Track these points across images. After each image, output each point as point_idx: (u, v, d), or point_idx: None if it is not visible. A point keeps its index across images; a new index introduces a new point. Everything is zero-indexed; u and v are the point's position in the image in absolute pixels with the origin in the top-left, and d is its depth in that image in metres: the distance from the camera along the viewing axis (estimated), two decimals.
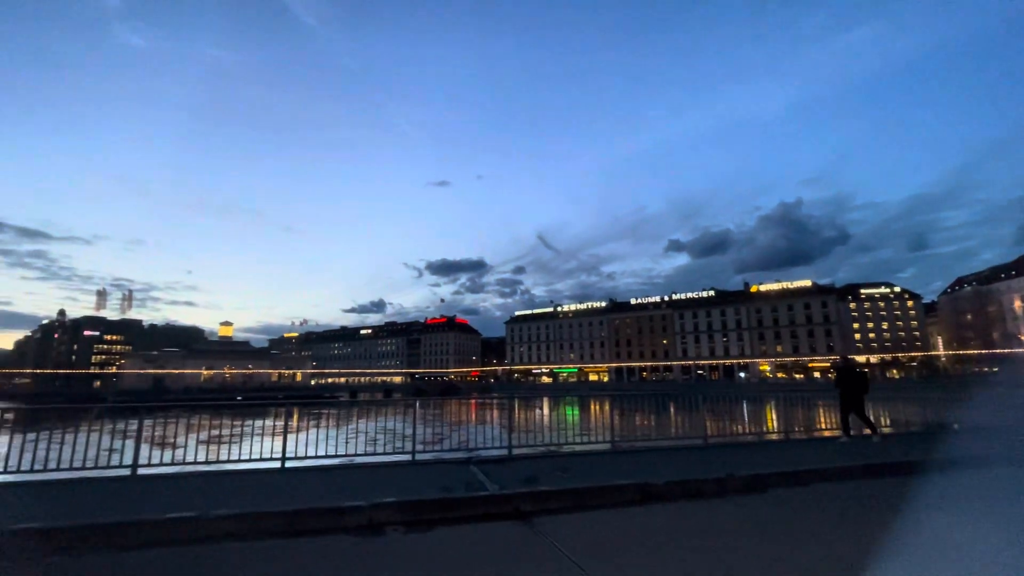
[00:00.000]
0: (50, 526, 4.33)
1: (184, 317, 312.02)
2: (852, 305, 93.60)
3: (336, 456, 7.69)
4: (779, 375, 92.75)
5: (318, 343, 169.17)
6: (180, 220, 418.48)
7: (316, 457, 7.61)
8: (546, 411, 11.81)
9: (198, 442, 8.67)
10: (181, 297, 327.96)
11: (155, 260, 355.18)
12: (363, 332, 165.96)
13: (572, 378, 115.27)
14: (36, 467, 6.83)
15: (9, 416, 7.90)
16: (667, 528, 4.84)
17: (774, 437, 11.10)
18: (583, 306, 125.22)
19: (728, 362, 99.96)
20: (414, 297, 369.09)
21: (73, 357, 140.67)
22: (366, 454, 7.78)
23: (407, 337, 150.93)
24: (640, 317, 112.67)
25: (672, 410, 11.02)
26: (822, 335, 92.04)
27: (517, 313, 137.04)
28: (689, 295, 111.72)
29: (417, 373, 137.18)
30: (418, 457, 7.76)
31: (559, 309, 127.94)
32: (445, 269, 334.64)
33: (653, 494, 5.77)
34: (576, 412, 12.37)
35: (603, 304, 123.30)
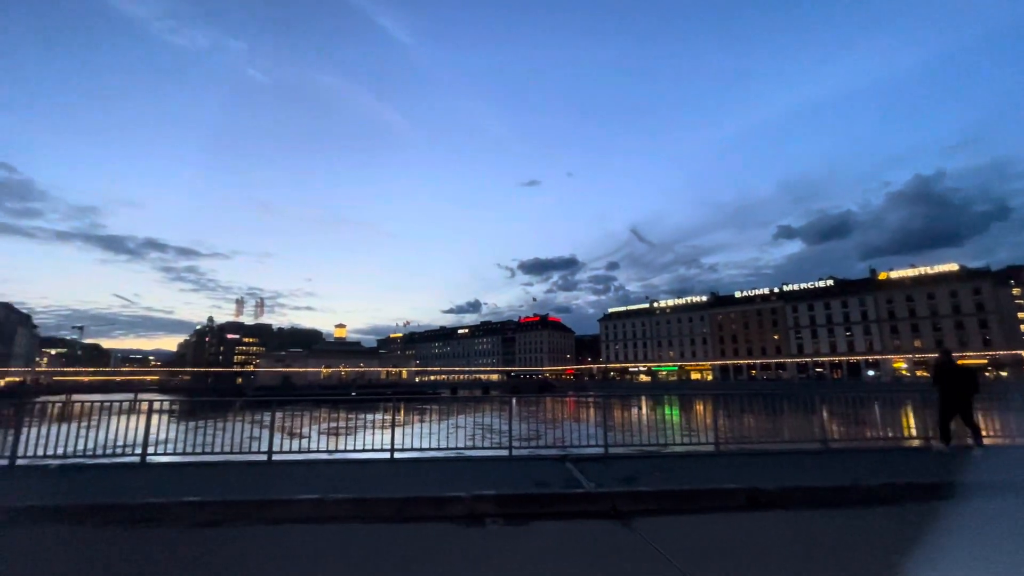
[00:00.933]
0: (204, 500, 5.07)
1: (305, 321, 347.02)
2: (1016, 291, 78.80)
3: (439, 449, 8.11)
4: (920, 373, 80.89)
5: (420, 343, 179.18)
6: (300, 233, 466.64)
7: (421, 449, 8.07)
8: (644, 410, 11.44)
9: (319, 432, 9.62)
10: (302, 303, 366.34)
11: (281, 270, 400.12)
12: (460, 332, 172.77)
13: (672, 376, 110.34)
14: (196, 450, 8.05)
15: (175, 408, 9.41)
16: (778, 537, 4.47)
17: (916, 443, 9.73)
18: (682, 301, 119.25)
19: (853, 358, 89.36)
20: (508, 297, 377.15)
21: (220, 357, 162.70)
22: (466, 448, 8.14)
23: (502, 336, 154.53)
24: (747, 311, 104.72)
25: (785, 411, 10.12)
26: (975, 327, 78.73)
27: (611, 310, 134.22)
28: (803, 286, 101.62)
29: (512, 371, 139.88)
30: (515, 453, 7.92)
31: (656, 305, 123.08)
32: (537, 268, 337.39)
33: (763, 500, 5.36)
34: (676, 412, 11.83)
35: (704, 298, 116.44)
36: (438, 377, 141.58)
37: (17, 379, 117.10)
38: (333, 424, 10.42)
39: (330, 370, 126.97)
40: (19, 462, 7.45)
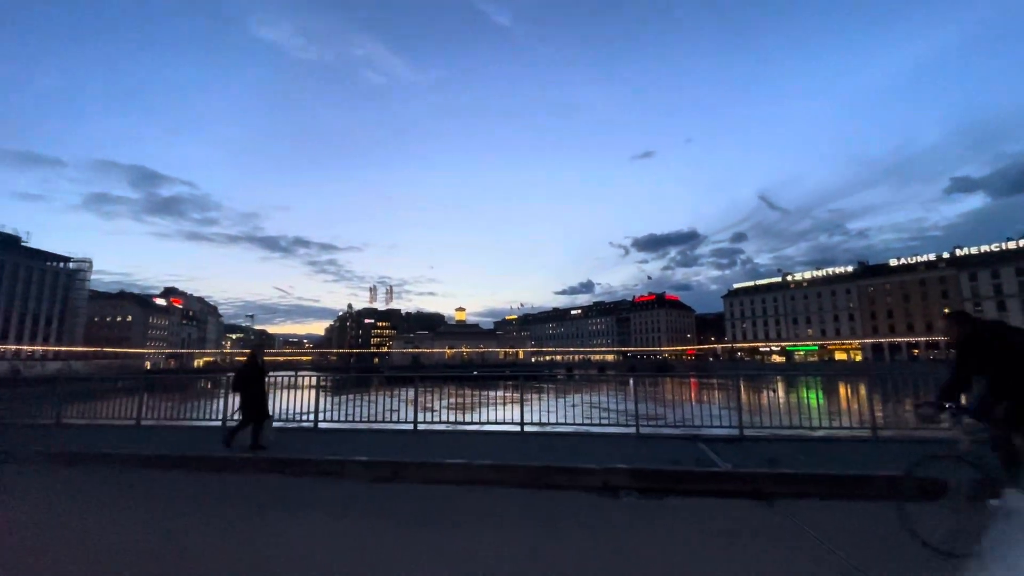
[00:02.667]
0: (374, 459, 5.91)
1: (429, 305, 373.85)
2: None
3: (566, 424, 8.42)
4: None
5: (534, 324, 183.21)
6: (421, 224, 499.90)
7: (549, 424, 8.44)
8: (781, 392, 10.63)
9: (450, 407, 10.51)
10: (425, 288, 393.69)
11: (406, 259, 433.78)
12: (573, 313, 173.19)
13: (812, 356, 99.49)
14: (352, 419, 9.34)
15: (327, 383, 10.95)
16: None
17: None
18: (822, 272, 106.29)
19: None
20: (621, 275, 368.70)
21: (359, 339, 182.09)
22: (592, 424, 8.33)
23: (616, 316, 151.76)
24: (906, 282, 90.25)
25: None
26: None
27: (737, 285, 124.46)
28: (986, 248, 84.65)
29: (628, 351, 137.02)
30: (642, 431, 7.93)
31: (790, 278, 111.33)
32: (652, 244, 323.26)
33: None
34: (819, 394, 10.80)
35: (850, 269, 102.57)
36: (553, 357, 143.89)
37: (210, 359, 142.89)
38: (460, 399, 11.30)
39: (453, 351, 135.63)
40: (231, 423, 9.26)
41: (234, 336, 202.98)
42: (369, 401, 9.64)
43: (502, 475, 5.48)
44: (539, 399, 9.75)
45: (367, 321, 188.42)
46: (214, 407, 10.20)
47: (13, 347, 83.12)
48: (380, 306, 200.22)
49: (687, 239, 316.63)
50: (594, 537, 3.90)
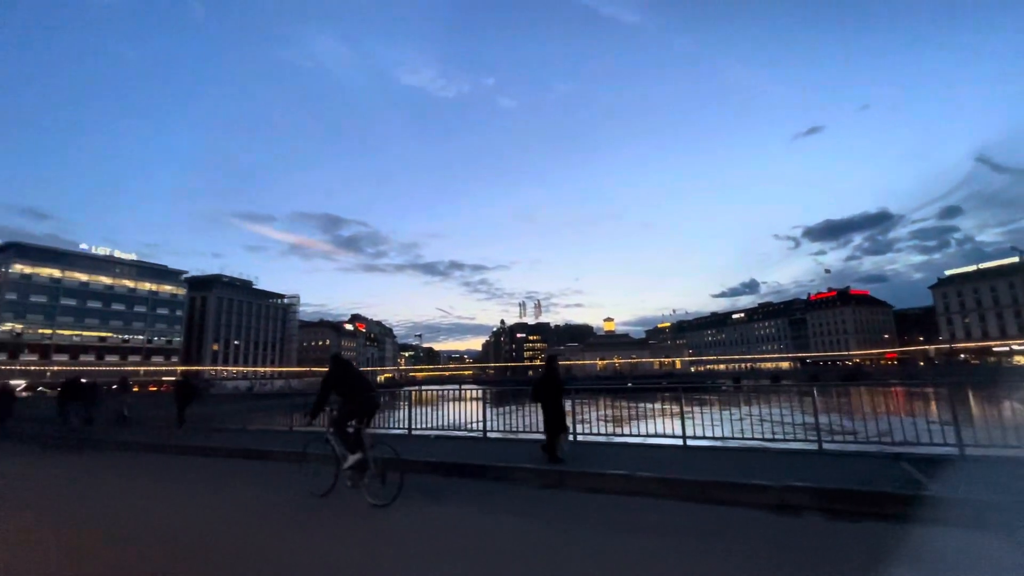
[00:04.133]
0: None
1: (576, 317, 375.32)
2: None
3: (733, 438, 7.91)
4: None
5: (691, 331, 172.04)
6: (563, 238, 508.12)
7: (714, 438, 8.02)
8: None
9: (606, 419, 10.55)
10: (572, 300, 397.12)
11: (550, 273, 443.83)
12: (735, 316, 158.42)
13: None
14: (510, 428, 10.01)
15: (487, 396, 11.85)
16: None
17: None
18: None
19: None
20: (792, 271, 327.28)
21: (513, 353, 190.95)
22: (763, 439, 7.68)
23: (787, 318, 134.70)
24: None
25: None
26: None
27: (952, 271, 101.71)
28: None
29: (808, 357, 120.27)
30: (826, 447, 7.08)
31: None
32: (830, 232, 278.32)
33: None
34: None
35: None
36: (715, 366, 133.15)
37: (389, 375, 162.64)
38: (615, 411, 11.26)
39: (604, 362, 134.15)
40: (415, 432, 10.64)
41: (407, 354, 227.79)
42: (526, 413, 10.23)
43: (665, 488, 5.42)
44: (702, 412, 9.30)
45: (519, 335, 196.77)
46: (397, 417, 11.86)
47: (249, 368, 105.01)
48: (530, 320, 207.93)
49: (876, 222, 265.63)
50: (771, 556, 3.67)
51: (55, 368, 72.92)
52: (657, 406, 10.05)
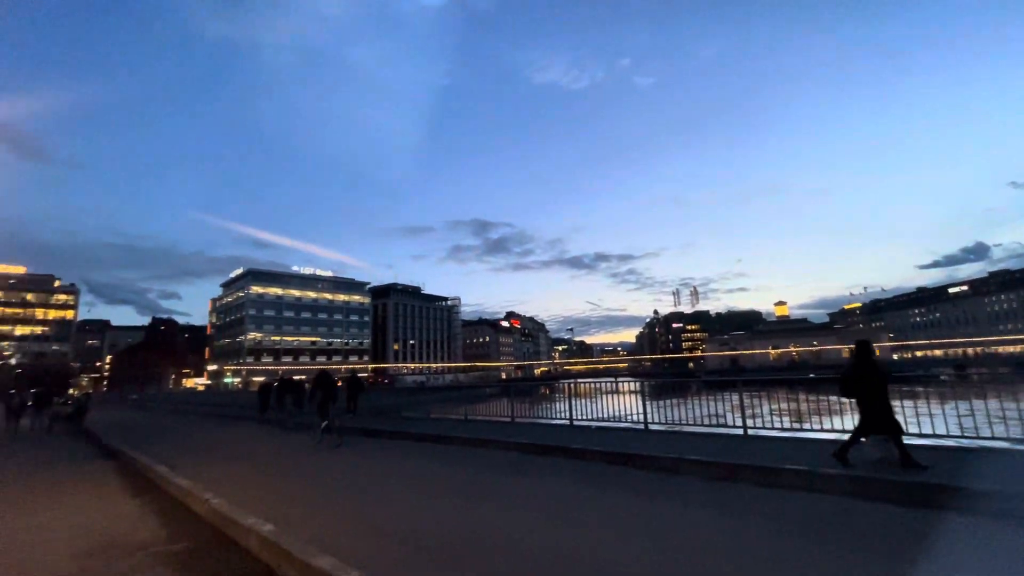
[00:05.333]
0: (711, 459, 6.09)
1: (740, 303, 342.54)
2: None
3: (954, 436, 6.58)
4: None
5: (889, 311, 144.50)
6: (716, 217, 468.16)
7: (930, 436, 6.76)
8: None
9: (782, 412, 9.52)
10: (734, 285, 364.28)
11: (706, 257, 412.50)
12: (953, 291, 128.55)
13: None
14: (672, 421, 9.67)
15: (645, 388, 11.56)
16: None
17: None
18: None
19: None
20: None
21: (670, 344, 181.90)
22: (1007, 439, 6.22)
23: None
24: None
25: None
26: None
27: None
28: None
29: None
30: None
31: None
32: None
33: None
34: None
35: None
36: (929, 352, 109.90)
37: (544, 368, 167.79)
38: (794, 404, 10.08)
39: (778, 351, 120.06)
40: (575, 423, 10.98)
41: (560, 348, 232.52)
42: (689, 405, 9.79)
43: (859, 487, 4.79)
44: (911, 405, 7.90)
45: (675, 325, 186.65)
46: (556, 408, 12.34)
47: (423, 365, 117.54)
48: (686, 309, 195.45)
49: None
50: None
51: (283, 368, 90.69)
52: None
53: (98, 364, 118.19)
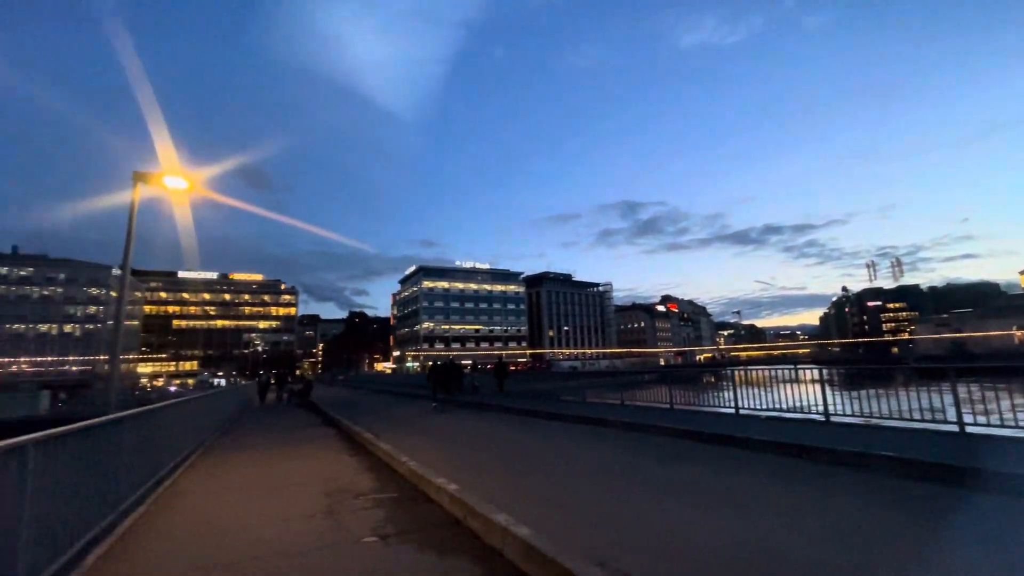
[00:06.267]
0: (904, 456, 5.33)
1: (964, 272, 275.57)
2: None
3: None
4: None
5: None
6: (926, 167, 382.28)
7: None
8: None
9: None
10: (955, 251, 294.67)
11: (914, 219, 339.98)
12: None
13: None
14: (863, 414, 8.44)
15: (832, 377, 10.22)
16: None
17: None
18: None
19: None
20: None
21: (865, 326, 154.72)
22: None
23: None
24: None
25: None
26: None
27: None
28: None
29: None
30: None
31: None
32: None
33: None
34: None
35: None
36: None
37: (708, 355, 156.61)
38: None
39: None
40: (742, 412, 10.33)
41: (725, 333, 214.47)
42: (890, 397, 8.45)
43: None
44: None
45: (871, 304, 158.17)
46: (722, 397, 11.67)
47: (577, 351, 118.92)
48: (885, 284, 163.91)
49: None
50: None
51: (453, 353, 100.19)
52: None
53: (313, 351, 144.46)
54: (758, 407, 10.25)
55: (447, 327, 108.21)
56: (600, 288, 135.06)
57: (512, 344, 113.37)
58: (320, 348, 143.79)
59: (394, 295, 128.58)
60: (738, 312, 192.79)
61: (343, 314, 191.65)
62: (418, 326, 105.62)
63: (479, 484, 5.27)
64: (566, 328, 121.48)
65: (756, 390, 10.68)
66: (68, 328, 77.36)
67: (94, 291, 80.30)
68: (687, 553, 3.30)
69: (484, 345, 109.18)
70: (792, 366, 11.57)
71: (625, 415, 10.98)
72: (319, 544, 4.02)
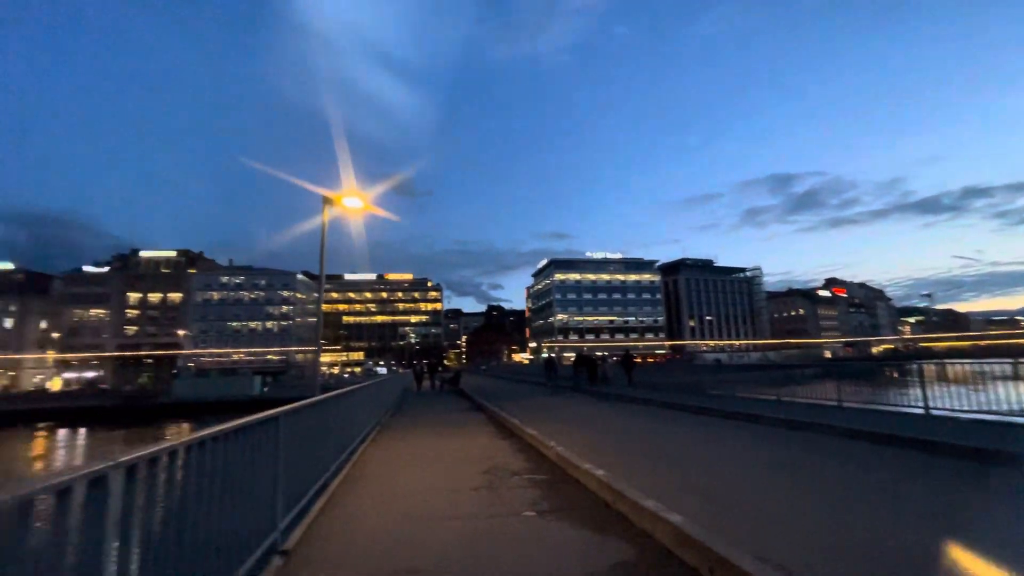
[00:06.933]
0: None
1: None
2: None
3: None
4: None
5: None
6: None
7: None
8: None
9: None
10: None
11: None
12: None
13: None
14: None
15: None
16: None
17: None
18: None
19: None
20: None
21: None
22: None
23: None
24: None
25: None
26: None
27: None
28: None
29: None
30: None
31: None
32: None
33: None
34: None
35: None
36: None
37: (889, 345, 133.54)
38: None
39: None
40: (932, 411, 8.88)
41: (911, 319, 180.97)
42: None
43: None
44: None
45: None
46: (904, 395, 10.11)
47: (723, 342, 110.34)
48: None
49: None
50: None
51: (587, 345, 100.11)
52: None
53: (458, 343, 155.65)
54: (957, 408, 8.68)
55: (580, 319, 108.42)
56: (747, 273, 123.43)
57: (649, 335, 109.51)
58: (463, 340, 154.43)
59: (528, 289, 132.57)
60: (928, 295, 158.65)
61: (481, 308, 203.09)
62: (552, 318, 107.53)
63: (625, 471, 5.42)
64: (709, 318, 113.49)
65: (954, 388, 9.06)
66: (269, 325, 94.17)
67: (285, 293, 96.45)
68: (860, 557, 3.10)
69: (619, 336, 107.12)
70: (1012, 359, 9.49)
71: (781, 411, 10.13)
72: (484, 513, 4.56)
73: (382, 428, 11.07)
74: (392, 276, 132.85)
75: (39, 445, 32.99)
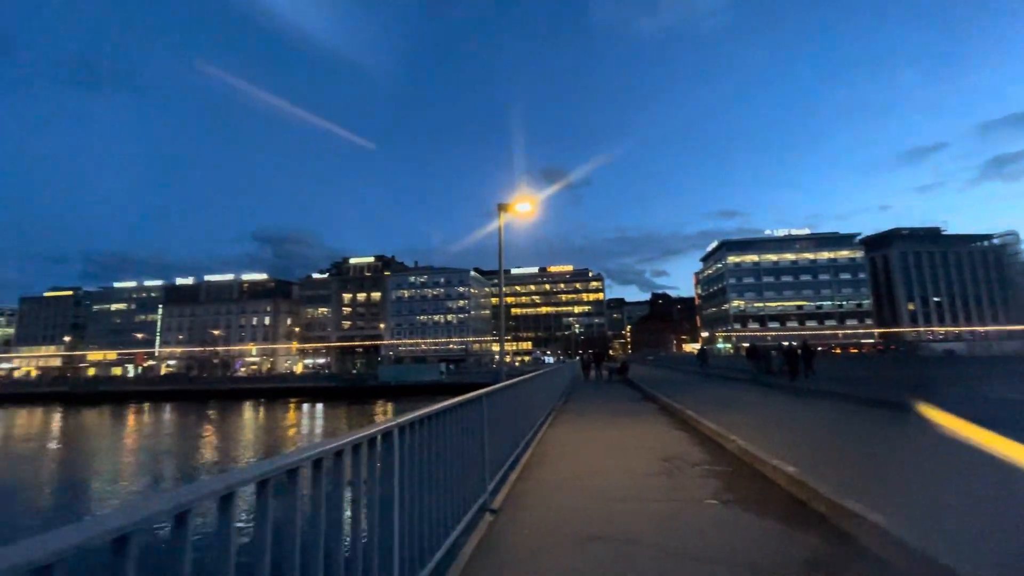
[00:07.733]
0: None
1: None
2: None
3: None
4: None
5: None
6: None
7: None
8: None
9: None
10: None
11: None
12: None
13: None
14: None
15: None
16: None
17: None
18: None
19: None
20: None
21: None
22: None
23: None
24: None
25: None
26: None
27: None
28: None
29: None
30: None
31: None
32: None
33: None
34: None
35: None
36: None
37: None
38: None
39: None
40: None
41: None
42: None
43: None
44: None
45: None
46: None
47: (958, 328, 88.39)
48: None
49: None
50: None
51: (771, 334, 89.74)
52: None
53: (622, 332, 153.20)
54: None
55: (760, 304, 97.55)
56: (994, 241, 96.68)
57: (851, 322, 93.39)
58: (627, 330, 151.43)
59: (696, 274, 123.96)
60: None
61: (645, 296, 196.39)
62: (726, 305, 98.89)
63: (818, 468, 5.05)
64: (936, 299, 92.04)
65: None
66: (449, 317, 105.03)
67: (461, 289, 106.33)
68: None
69: (811, 324, 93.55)
70: None
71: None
72: (665, 498, 4.74)
73: (557, 414, 11.80)
74: (554, 268, 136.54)
75: (293, 416, 42.34)
